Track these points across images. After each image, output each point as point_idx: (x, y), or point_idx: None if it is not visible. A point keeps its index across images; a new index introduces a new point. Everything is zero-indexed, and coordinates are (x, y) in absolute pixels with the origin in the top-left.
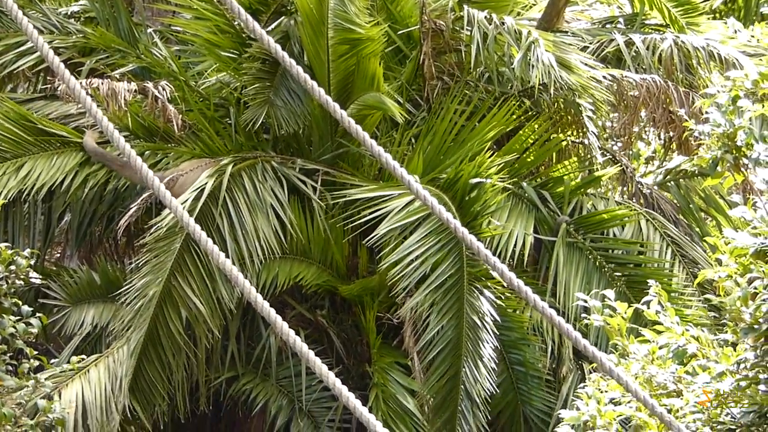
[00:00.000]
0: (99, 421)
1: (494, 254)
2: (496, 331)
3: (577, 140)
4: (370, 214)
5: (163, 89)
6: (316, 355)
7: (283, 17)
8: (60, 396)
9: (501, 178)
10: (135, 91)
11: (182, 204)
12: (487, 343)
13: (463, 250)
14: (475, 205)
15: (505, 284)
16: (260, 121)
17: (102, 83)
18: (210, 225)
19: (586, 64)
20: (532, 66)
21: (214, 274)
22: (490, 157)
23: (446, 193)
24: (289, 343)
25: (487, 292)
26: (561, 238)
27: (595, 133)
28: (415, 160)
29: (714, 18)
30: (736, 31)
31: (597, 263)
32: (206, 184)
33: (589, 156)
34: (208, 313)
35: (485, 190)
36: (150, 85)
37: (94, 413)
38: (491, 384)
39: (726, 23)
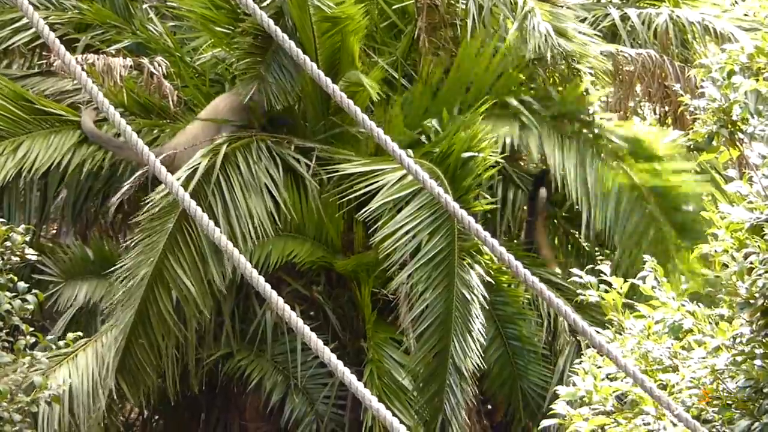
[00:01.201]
0: (86, 406)
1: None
2: (486, 305)
3: None
4: (365, 188)
5: (159, 65)
6: (312, 330)
7: None
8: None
9: (492, 152)
10: (131, 66)
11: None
12: (477, 318)
13: (454, 225)
14: (467, 179)
15: (496, 259)
16: (249, 97)
17: (98, 59)
18: (203, 204)
19: (583, 33)
20: (529, 36)
21: (206, 256)
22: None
23: (439, 167)
24: (285, 318)
25: (477, 267)
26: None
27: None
28: (396, 119)
29: None
30: (734, 3)
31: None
32: (200, 163)
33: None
34: (200, 296)
35: (477, 164)
36: (145, 60)
37: (81, 399)
38: (480, 359)
39: None
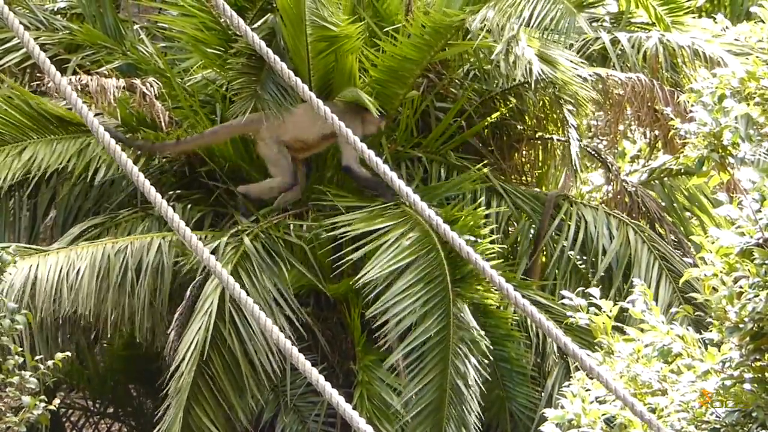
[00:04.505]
0: (47, 295)
1: None
2: (481, 401)
3: (563, 138)
4: (358, 248)
5: (151, 86)
6: (300, 352)
7: (269, 14)
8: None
9: (493, 240)
10: (123, 87)
11: None
12: (473, 411)
13: (450, 306)
14: (468, 265)
15: (492, 286)
16: (247, 114)
17: (91, 79)
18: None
19: (570, 61)
20: (514, 62)
21: (228, 394)
22: (477, 208)
23: (437, 233)
24: (274, 339)
25: (473, 359)
26: None
27: (574, 126)
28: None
29: (699, 17)
30: (725, 28)
31: None
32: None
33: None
34: None
35: (478, 250)
36: (138, 81)
37: (44, 287)
38: None
39: (715, 19)
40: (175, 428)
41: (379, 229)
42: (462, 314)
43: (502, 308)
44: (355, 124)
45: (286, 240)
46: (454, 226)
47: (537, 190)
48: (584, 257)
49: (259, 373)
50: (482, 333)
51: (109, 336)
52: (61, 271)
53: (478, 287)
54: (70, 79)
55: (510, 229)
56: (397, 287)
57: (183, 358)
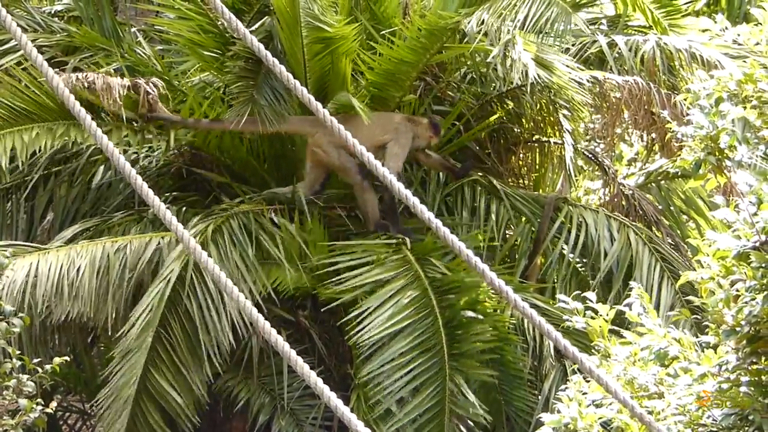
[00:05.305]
0: (48, 292)
1: None
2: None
3: (560, 141)
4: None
5: (155, 86)
6: (298, 354)
7: (266, 17)
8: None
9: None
10: (128, 87)
11: None
12: None
13: (446, 381)
14: (467, 343)
15: (489, 286)
16: (244, 119)
17: (97, 77)
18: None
19: (567, 66)
20: (510, 65)
21: (188, 363)
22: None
23: (435, 294)
24: (272, 342)
25: None
26: None
27: (569, 131)
28: None
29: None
30: (724, 29)
31: None
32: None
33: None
34: (188, 404)
35: (482, 329)
36: (142, 81)
37: (44, 284)
38: None
39: (714, 19)
40: (129, 390)
41: (379, 281)
42: (461, 388)
43: (498, 311)
44: (407, 136)
45: (273, 235)
46: (458, 294)
47: (535, 193)
48: (584, 260)
49: (220, 344)
50: (482, 413)
51: (110, 335)
52: (61, 268)
53: (479, 364)
54: (77, 77)
55: (509, 232)
56: (391, 352)
57: (135, 321)
